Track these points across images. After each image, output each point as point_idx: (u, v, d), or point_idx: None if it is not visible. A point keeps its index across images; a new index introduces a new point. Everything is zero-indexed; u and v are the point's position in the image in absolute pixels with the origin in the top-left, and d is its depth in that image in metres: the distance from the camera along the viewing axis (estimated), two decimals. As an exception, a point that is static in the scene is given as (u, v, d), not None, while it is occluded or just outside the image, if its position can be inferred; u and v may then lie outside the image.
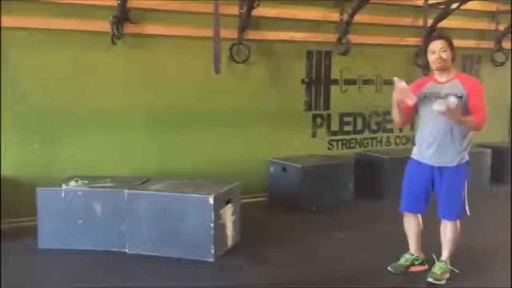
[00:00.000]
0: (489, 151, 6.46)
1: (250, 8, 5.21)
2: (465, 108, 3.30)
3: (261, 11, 5.30)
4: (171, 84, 5.22)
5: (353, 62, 6.09)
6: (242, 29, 5.39)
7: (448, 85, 3.38)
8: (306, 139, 6.05)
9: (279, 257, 4.01)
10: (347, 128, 6.28)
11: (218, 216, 3.93)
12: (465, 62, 6.95)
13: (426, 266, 3.67)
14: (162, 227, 3.97)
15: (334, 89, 6.14)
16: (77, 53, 4.83)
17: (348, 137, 6.26)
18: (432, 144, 3.40)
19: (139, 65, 5.08)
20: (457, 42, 6.55)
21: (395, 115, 3.51)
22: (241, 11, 5.31)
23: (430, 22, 6.18)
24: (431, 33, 6.24)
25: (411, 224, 3.67)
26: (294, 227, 4.78)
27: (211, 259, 3.87)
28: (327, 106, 6.13)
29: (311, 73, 6.02)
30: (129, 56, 5.03)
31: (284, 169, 5.46)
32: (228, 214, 4.12)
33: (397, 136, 6.59)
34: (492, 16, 6.64)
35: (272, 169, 5.61)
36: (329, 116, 6.15)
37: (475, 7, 6.16)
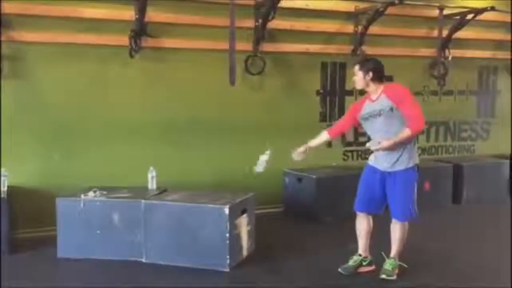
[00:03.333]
0: (506, 162, 6.40)
1: (265, 20, 5.29)
2: (400, 116, 3.57)
3: (276, 23, 5.38)
4: (188, 96, 5.30)
5: (367, 73, 6.10)
6: (257, 41, 5.46)
7: (378, 102, 3.66)
8: (321, 150, 6.03)
9: (294, 268, 4.02)
10: (362, 139, 6.27)
11: (233, 226, 3.96)
12: (482, 73, 6.92)
13: (374, 267, 3.88)
14: (178, 237, 4.02)
15: (349, 100, 6.15)
16: (96, 67, 4.95)
17: (363, 148, 6.25)
18: (383, 153, 3.68)
19: (156, 78, 5.18)
20: (472, 53, 6.66)
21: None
22: (256, 23, 5.38)
23: (445, 33, 6.18)
24: (446, 44, 6.25)
25: (362, 225, 3.89)
26: (309, 238, 4.80)
27: (226, 269, 3.90)
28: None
29: (326, 85, 6.06)
30: (146, 69, 5.13)
31: (299, 180, 5.49)
32: (243, 224, 4.16)
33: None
34: (508, 26, 6.61)
35: (287, 180, 5.64)
36: (344, 127, 6.16)
37: (491, 17, 6.15)
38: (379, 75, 3.70)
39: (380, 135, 3.63)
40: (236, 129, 5.52)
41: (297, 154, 3.98)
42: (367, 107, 3.73)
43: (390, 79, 3.79)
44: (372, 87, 3.70)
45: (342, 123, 4.10)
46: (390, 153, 3.64)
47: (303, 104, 5.92)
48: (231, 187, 4.97)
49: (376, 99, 3.68)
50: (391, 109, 3.58)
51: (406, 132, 3.54)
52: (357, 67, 3.73)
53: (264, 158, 4.22)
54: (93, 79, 4.95)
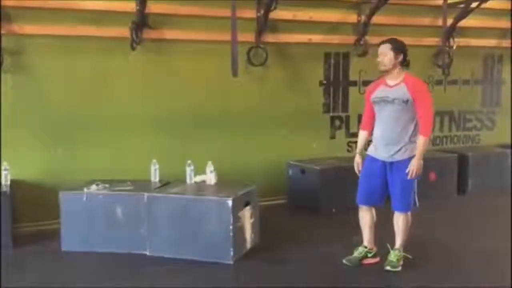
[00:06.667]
0: (509, 151, 6.36)
1: (267, 11, 5.24)
2: (411, 110, 3.55)
3: (278, 14, 5.32)
4: (190, 88, 5.27)
5: (371, 63, 5.98)
6: (260, 32, 5.42)
7: (395, 89, 3.58)
8: (325, 141, 6.04)
9: (298, 260, 4.01)
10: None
11: (236, 219, 3.95)
12: (487, 61, 6.86)
13: (378, 258, 3.85)
14: (181, 229, 4.01)
15: (352, 90, 6.11)
16: (97, 59, 4.92)
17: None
18: (383, 142, 3.65)
19: (158, 69, 5.15)
20: (477, 41, 6.59)
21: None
22: (258, 14, 5.33)
23: (449, 21, 6.11)
24: (451, 33, 6.19)
25: (366, 217, 3.85)
26: (313, 230, 4.78)
27: (230, 262, 3.89)
28: (345, 108, 6.11)
29: (329, 75, 6.01)
30: (148, 61, 5.10)
31: (303, 172, 5.46)
32: (247, 216, 4.14)
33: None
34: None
35: (291, 172, 5.61)
36: (347, 118, 6.12)
37: (495, 5, 6.07)
38: (405, 59, 3.62)
39: (385, 122, 3.61)
40: (239, 121, 5.50)
41: (358, 166, 3.86)
42: (382, 91, 3.65)
43: (407, 64, 3.70)
44: (396, 71, 3.60)
45: (368, 115, 3.87)
46: (391, 144, 3.61)
47: (306, 94, 5.89)
48: (234, 178, 4.94)
49: (394, 86, 3.60)
50: (407, 101, 3.52)
51: (423, 140, 3.54)
52: (387, 46, 3.57)
53: (205, 177, 4.36)
54: (94, 71, 4.93)
